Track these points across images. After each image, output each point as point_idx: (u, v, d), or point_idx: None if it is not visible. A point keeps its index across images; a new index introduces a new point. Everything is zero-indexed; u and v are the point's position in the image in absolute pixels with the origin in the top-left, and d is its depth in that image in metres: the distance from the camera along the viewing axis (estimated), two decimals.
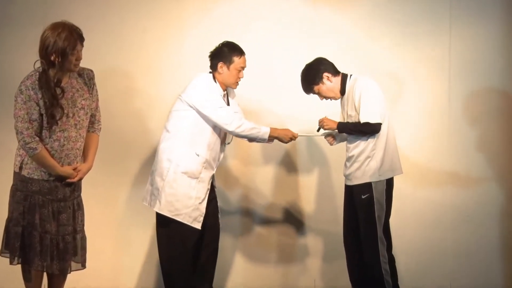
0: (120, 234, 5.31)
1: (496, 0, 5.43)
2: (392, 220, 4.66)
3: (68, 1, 5.24)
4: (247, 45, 4.70)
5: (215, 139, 4.54)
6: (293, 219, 5.43)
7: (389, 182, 4.58)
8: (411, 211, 5.39)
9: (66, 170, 3.97)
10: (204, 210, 4.51)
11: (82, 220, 4.11)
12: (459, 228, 5.42)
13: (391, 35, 5.39)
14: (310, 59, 4.70)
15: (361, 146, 4.54)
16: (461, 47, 5.40)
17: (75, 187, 4.06)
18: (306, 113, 5.18)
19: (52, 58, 3.83)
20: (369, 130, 4.47)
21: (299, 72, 4.70)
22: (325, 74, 4.61)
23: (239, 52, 4.56)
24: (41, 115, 3.87)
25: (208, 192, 4.57)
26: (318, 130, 4.71)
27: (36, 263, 3.94)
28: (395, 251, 4.70)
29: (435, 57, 5.39)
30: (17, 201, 3.95)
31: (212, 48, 4.60)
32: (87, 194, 4.25)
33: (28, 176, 3.94)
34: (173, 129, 4.51)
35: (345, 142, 4.70)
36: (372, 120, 4.45)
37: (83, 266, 4.14)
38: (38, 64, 3.88)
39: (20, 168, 3.96)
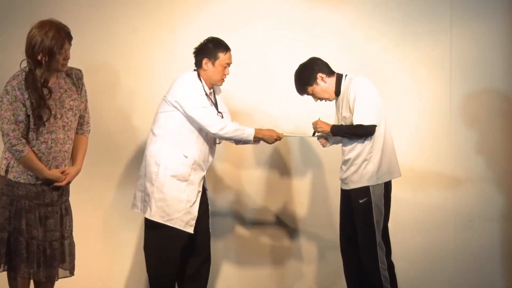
0: (108, 239, 5.29)
1: None
2: (391, 225, 4.62)
3: None
4: (242, 44, 4.75)
5: (203, 140, 4.49)
6: (286, 223, 5.40)
7: (387, 186, 4.54)
8: (411, 215, 5.37)
9: (53, 173, 3.93)
10: (196, 214, 4.48)
11: (70, 226, 4.07)
12: (461, 233, 5.40)
13: (391, 34, 5.36)
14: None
15: (357, 149, 4.48)
16: (463, 46, 5.38)
17: (63, 191, 4.03)
18: (306, 114, 5.07)
19: (39, 57, 3.80)
20: (363, 132, 4.42)
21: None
22: (319, 75, 4.55)
23: (225, 48, 4.52)
24: (27, 116, 3.83)
25: (200, 194, 4.53)
26: (313, 134, 4.67)
27: (23, 270, 3.90)
28: (394, 257, 4.65)
29: (435, 57, 5.37)
30: (3, 206, 3.90)
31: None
32: (74, 199, 4.19)
33: (14, 180, 3.89)
34: (159, 131, 4.47)
35: (340, 145, 4.65)
36: (366, 122, 4.39)
37: (71, 274, 4.09)
38: (24, 64, 3.85)
39: (6, 171, 3.92)
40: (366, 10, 5.35)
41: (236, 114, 5.06)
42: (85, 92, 4.09)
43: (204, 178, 4.58)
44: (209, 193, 4.83)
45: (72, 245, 4.07)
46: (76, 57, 4.07)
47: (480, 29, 5.38)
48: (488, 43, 5.39)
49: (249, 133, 4.49)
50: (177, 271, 4.54)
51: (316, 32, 5.32)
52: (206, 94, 4.49)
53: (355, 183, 4.49)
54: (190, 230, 4.44)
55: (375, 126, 4.42)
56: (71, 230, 4.07)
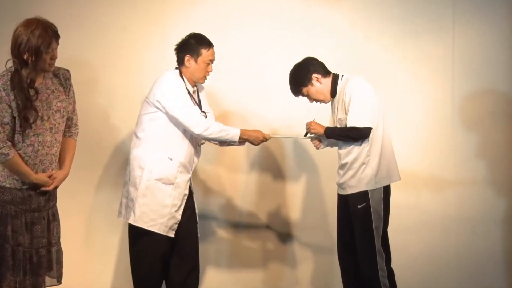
0: (92, 244, 5.27)
1: None
2: (390, 231, 4.57)
3: None
4: (238, 44, 4.77)
5: (188, 141, 4.43)
6: (279, 227, 5.39)
7: (386, 190, 4.47)
8: (411, 220, 5.37)
9: (40, 177, 3.85)
10: (179, 217, 4.45)
11: (58, 232, 4.00)
12: (464, 239, 5.40)
13: (391, 33, 5.38)
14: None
15: (354, 152, 4.40)
16: (465, 45, 5.39)
17: (50, 196, 3.95)
18: (306, 114, 5.00)
19: (25, 57, 3.73)
20: (357, 135, 4.34)
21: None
22: (315, 75, 4.47)
23: (207, 44, 4.44)
24: (13, 118, 3.75)
25: (186, 198, 4.48)
26: (305, 135, 4.61)
27: (8, 279, 3.81)
28: (394, 264, 4.59)
29: (437, 56, 5.39)
30: None
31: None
32: (61, 204, 4.12)
33: None
34: (143, 134, 4.41)
35: (335, 148, 4.58)
36: (361, 124, 4.31)
37: (59, 282, 4.01)
38: (10, 64, 3.77)
39: None
40: (366, 8, 5.37)
41: (233, 115, 5.05)
42: (73, 93, 4.02)
43: (190, 180, 4.52)
44: (201, 197, 4.85)
45: (59, 252, 4.00)
46: (63, 56, 4.01)
47: (483, 26, 5.40)
48: (492, 41, 5.41)
49: (234, 134, 4.41)
50: (162, 276, 4.53)
51: (316, 31, 5.32)
52: (189, 93, 4.42)
53: (353, 188, 4.42)
54: (172, 234, 4.42)
55: (370, 128, 4.34)
56: (59, 237, 4.00)
